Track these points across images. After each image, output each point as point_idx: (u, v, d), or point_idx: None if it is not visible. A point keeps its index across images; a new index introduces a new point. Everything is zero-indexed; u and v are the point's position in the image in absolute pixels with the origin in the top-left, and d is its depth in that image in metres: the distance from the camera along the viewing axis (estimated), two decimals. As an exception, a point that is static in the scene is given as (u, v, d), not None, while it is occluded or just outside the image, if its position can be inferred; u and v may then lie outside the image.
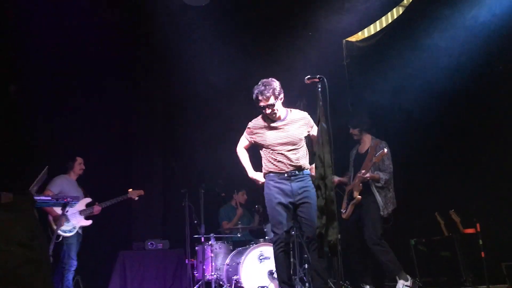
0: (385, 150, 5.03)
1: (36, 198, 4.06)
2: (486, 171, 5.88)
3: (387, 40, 6.57)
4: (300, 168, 4.24)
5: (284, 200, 4.18)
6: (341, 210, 5.18)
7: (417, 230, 6.35)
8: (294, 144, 4.27)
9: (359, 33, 7.02)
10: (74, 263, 5.72)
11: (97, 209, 5.96)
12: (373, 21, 6.75)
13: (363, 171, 5.10)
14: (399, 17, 6.58)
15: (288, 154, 4.26)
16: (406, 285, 4.84)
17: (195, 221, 6.34)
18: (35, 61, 5.85)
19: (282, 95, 4.30)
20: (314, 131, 4.28)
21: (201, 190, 6.35)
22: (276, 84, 4.28)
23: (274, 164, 4.29)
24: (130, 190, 6.16)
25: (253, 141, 4.46)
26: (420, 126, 6.44)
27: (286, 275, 4.23)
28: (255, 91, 4.26)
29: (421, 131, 6.46)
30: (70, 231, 5.73)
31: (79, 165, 6.12)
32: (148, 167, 7.45)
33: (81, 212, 5.88)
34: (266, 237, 6.37)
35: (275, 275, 5.60)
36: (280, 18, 6.91)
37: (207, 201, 6.41)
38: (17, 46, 5.54)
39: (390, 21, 6.67)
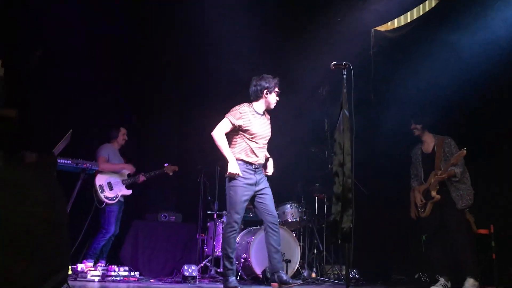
0: (464, 151, 4.88)
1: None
2: (505, 173, 5.81)
3: (417, 32, 6.46)
4: (263, 164, 4.62)
5: (249, 195, 4.48)
6: (420, 210, 5.16)
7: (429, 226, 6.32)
8: (266, 141, 4.64)
9: (389, 22, 6.90)
10: (112, 229, 5.90)
11: (142, 178, 6.20)
12: (404, 11, 6.63)
13: (439, 172, 5.00)
14: (432, 9, 6.45)
15: (263, 148, 4.62)
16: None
17: (209, 198, 6.41)
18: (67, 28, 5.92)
19: None
20: None
21: (218, 167, 6.40)
22: None
23: (247, 154, 4.50)
24: (167, 165, 6.32)
25: (237, 126, 4.50)
26: (440, 123, 6.36)
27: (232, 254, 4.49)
28: (275, 80, 4.61)
29: (441, 128, 6.38)
30: (112, 199, 5.91)
31: (122, 136, 6.28)
32: (164, 142, 7.50)
33: (123, 181, 6.07)
34: (279, 219, 6.42)
35: (284, 257, 5.69)
36: (308, 3, 6.83)
37: (221, 179, 6.46)
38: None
39: (422, 12, 6.54)
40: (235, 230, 4.46)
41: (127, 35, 6.78)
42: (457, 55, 6.05)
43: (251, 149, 4.50)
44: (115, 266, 5.40)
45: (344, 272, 6.22)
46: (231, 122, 4.50)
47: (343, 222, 3.32)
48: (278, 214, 6.49)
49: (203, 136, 7.49)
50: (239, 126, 4.49)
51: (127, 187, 6.12)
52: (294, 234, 6.08)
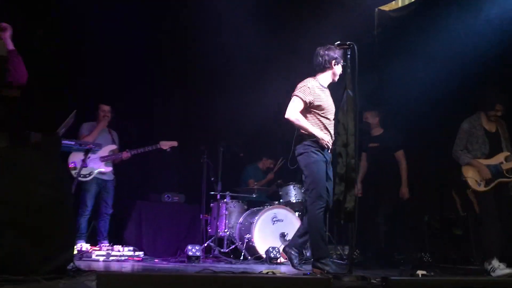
0: None
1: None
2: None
3: (421, 11, 6.39)
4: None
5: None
6: (479, 183, 4.87)
7: (433, 207, 6.36)
8: (333, 116, 4.33)
9: (393, 2, 6.83)
10: (88, 209, 5.80)
11: (125, 155, 6.00)
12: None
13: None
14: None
15: (332, 124, 4.31)
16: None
17: (212, 178, 6.42)
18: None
19: None
20: None
21: (220, 148, 6.40)
22: None
23: (322, 131, 4.22)
24: (162, 142, 6.14)
25: (308, 102, 4.20)
26: (442, 104, 6.35)
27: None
28: (340, 50, 4.22)
29: (444, 109, 6.37)
30: (86, 177, 5.79)
31: (102, 112, 6.14)
32: (167, 122, 7.49)
33: (101, 158, 5.93)
34: (281, 200, 6.45)
35: (287, 238, 5.74)
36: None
37: (225, 159, 6.48)
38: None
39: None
40: (324, 206, 4.11)
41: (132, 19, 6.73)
42: (463, 33, 6.00)
43: (324, 125, 4.23)
44: (120, 246, 5.44)
45: (347, 252, 6.28)
46: (302, 100, 4.19)
47: (347, 202, 3.33)
48: (281, 194, 6.56)
49: (206, 116, 7.58)
50: (310, 102, 4.21)
51: (108, 164, 5.97)
52: (297, 215, 6.12)
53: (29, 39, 5.50)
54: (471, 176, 4.95)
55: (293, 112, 4.18)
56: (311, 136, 4.16)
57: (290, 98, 4.28)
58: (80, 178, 5.60)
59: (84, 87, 6.38)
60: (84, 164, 5.22)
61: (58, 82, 6.14)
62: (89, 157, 5.22)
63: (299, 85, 4.28)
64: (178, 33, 7.25)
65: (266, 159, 7.48)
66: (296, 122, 4.18)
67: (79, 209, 5.78)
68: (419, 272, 3.91)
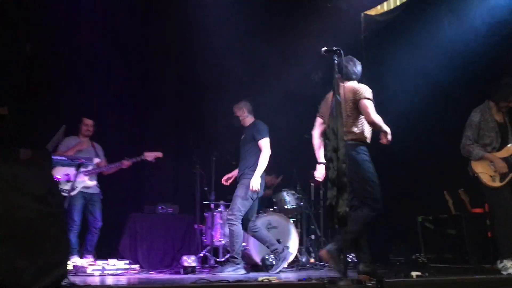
0: None
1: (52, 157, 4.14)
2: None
3: (407, 15, 6.47)
4: None
5: None
6: (493, 178, 4.61)
7: (425, 207, 6.40)
8: None
9: (379, 6, 6.90)
10: (76, 223, 5.74)
11: (126, 163, 5.97)
12: (393, -6, 6.64)
13: None
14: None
15: None
16: None
17: (205, 188, 6.42)
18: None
19: None
20: None
21: (213, 157, 6.41)
22: None
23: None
24: (146, 153, 6.09)
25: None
26: (434, 104, 6.41)
27: None
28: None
29: (435, 109, 6.43)
30: (70, 192, 5.74)
31: (85, 126, 6.07)
32: (160, 133, 7.49)
33: (84, 172, 5.83)
34: (275, 207, 6.46)
35: (282, 243, 5.74)
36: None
37: (217, 168, 6.48)
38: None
39: (411, -5, 6.55)
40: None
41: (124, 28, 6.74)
42: (449, 36, 6.08)
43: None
44: (115, 260, 5.42)
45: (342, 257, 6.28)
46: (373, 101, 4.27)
47: (339, 207, 3.34)
48: (274, 201, 6.57)
49: (199, 127, 7.59)
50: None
51: (92, 179, 5.93)
52: (291, 221, 6.12)
53: (18, 53, 5.51)
54: (482, 171, 4.68)
55: (374, 113, 4.20)
56: (365, 142, 4.26)
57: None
58: (64, 194, 5.56)
59: (73, 101, 6.36)
60: (76, 179, 5.20)
61: (47, 97, 6.13)
62: (67, 173, 5.20)
63: (364, 88, 4.28)
64: (169, 42, 7.28)
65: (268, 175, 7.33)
66: (378, 122, 4.20)
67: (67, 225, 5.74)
68: (414, 273, 3.92)
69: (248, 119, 5.60)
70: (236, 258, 5.08)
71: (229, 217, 5.20)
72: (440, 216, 6.11)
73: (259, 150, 5.30)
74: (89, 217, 5.92)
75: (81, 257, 5.65)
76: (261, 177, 5.27)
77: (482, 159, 4.68)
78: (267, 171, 7.32)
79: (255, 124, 5.46)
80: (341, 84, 4.16)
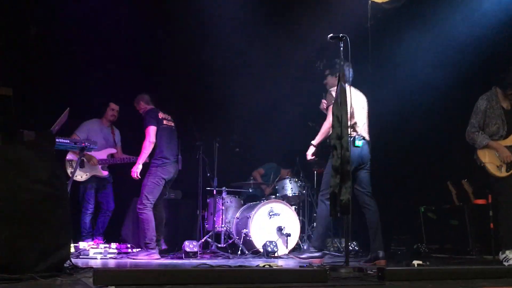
0: None
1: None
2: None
3: (414, 4, 6.41)
4: None
5: None
6: (500, 167, 4.53)
7: (428, 198, 6.39)
8: None
9: (386, -6, 6.83)
10: (90, 206, 5.88)
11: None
12: (401, -18, 6.57)
13: None
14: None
15: None
16: None
17: (208, 174, 6.43)
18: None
19: None
20: None
21: (216, 144, 6.40)
22: None
23: None
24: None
25: None
26: (437, 95, 6.37)
27: None
28: None
29: (439, 100, 6.39)
30: (82, 177, 5.83)
31: (111, 111, 6.14)
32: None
33: (99, 161, 5.94)
34: (278, 194, 6.47)
35: (284, 231, 5.76)
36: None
37: (220, 155, 6.48)
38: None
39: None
40: None
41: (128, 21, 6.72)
42: (456, 26, 6.02)
43: None
44: (117, 243, 5.45)
45: (343, 245, 6.30)
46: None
47: (342, 195, 3.34)
48: (277, 189, 6.58)
49: (202, 113, 7.57)
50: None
51: (104, 168, 6.00)
52: (293, 209, 6.13)
53: (22, 36, 5.49)
54: (489, 161, 4.58)
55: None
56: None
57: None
58: (76, 179, 5.63)
59: (78, 85, 6.35)
60: (78, 163, 5.25)
61: (51, 80, 6.12)
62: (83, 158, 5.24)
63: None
64: (174, 33, 7.23)
65: (284, 169, 7.38)
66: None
67: (82, 208, 5.84)
68: (415, 262, 3.93)
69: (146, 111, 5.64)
70: (149, 243, 5.19)
71: (138, 205, 5.31)
72: (443, 206, 6.10)
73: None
74: (102, 199, 6.01)
75: (92, 238, 5.72)
76: (176, 162, 5.46)
77: (486, 147, 4.60)
78: (283, 165, 7.33)
79: (145, 114, 5.49)
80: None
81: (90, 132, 5.97)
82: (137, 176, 5.28)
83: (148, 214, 5.24)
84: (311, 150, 4.86)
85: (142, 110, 5.59)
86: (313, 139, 4.90)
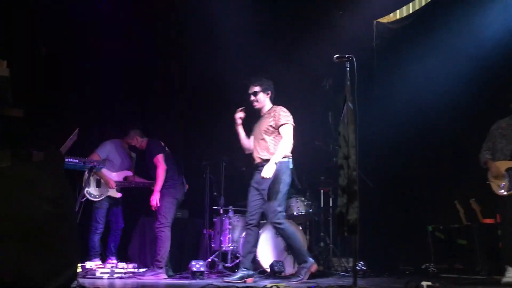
0: None
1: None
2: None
3: (420, 23, 6.46)
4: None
5: None
6: (501, 185, 4.57)
7: (436, 217, 6.36)
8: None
9: (391, 14, 6.89)
10: (100, 226, 5.88)
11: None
12: (406, 2, 6.63)
13: None
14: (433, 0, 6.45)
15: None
16: None
17: (215, 193, 6.43)
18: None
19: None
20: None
21: (222, 163, 6.42)
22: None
23: None
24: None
25: None
26: (445, 113, 6.38)
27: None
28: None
29: (446, 118, 6.40)
30: (95, 197, 5.86)
31: (135, 140, 5.93)
32: (169, 138, 7.51)
33: (116, 183, 5.94)
34: (285, 213, 6.43)
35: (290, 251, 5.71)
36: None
37: (227, 174, 6.48)
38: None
39: (423, 3, 6.53)
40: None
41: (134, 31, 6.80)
42: (460, 45, 6.06)
43: None
44: (124, 263, 5.44)
45: (351, 265, 6.25)
46: None
47: (349, 214, 3.33)
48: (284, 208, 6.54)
49: (209, 132, 7.60)
50: None
51: (118, 190, 6.01)
52: (300, 228, 6.10)
53: (33, 56, 5.57)
54: (492, 179, 4.65)
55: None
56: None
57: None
58: (90, 198, 5.70)
59: (85, 106, 6.42)
60: (87, 183, 5.30)
61: (60, 100, 6.19)
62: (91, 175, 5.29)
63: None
64: (179, 45, 7.32)
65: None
66: None
67: (91, 227, 5.84)
68: (425, 283, 3.89)
69: (143, 143, 5.81)
70: (160, 262, 5.21)
71: (156, 225, 5.42)
72: (451, 225, 6.06)
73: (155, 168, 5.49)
74: (112, 217, 6.02)
75: (105, 259, 5.71)
76: (182, 183, 5.67)
77: (486, 165, 4.70)
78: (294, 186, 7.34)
79: (149, 145, 5.68)
80: None
81: (111, 152, 6.00)
82: (157, 204, 5.40)
83: (167, 233, 5.37)
84: (272, 167, 4.93)
85: (139, 144, 5.78)
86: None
